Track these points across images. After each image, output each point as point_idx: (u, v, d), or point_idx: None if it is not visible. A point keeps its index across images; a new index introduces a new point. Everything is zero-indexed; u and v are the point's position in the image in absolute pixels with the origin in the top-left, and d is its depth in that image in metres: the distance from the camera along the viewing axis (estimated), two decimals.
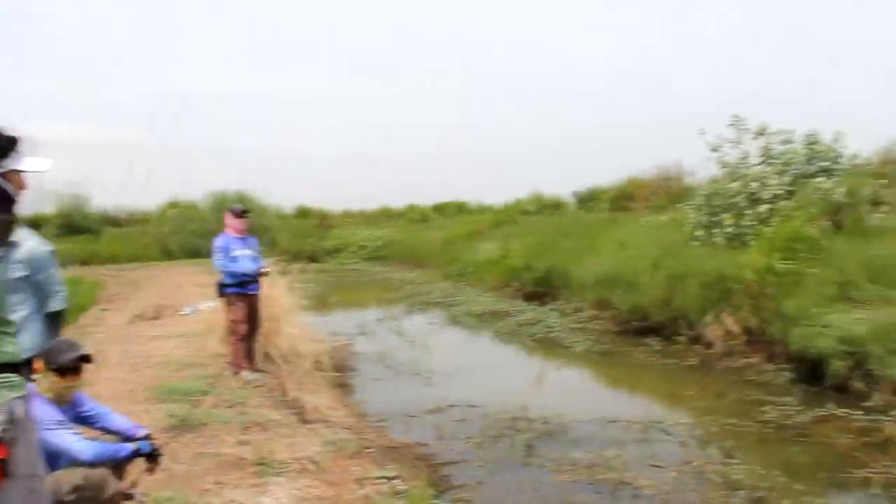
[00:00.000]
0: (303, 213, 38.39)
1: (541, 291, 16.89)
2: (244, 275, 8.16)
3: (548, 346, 12.31)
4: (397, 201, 41.15)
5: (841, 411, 7.70)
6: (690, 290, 11.58)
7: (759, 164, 13.82)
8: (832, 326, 8.75)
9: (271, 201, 33.87)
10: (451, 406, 8.42)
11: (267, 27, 70.39)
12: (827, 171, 13.13)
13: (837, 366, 8.44)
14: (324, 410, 7.44)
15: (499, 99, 60.39)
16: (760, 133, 13.96)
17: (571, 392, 9.59)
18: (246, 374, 8.16)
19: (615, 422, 7.71)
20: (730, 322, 10.79)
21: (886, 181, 13.16)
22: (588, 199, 28.71)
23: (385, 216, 39.94)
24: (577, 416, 7.80)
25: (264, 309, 8.69)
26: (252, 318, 8.38)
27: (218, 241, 8.29)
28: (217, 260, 8.19)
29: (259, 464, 5.48)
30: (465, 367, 10.80)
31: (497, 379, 10.29)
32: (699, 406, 8.43)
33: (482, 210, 34.87)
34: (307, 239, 33.20)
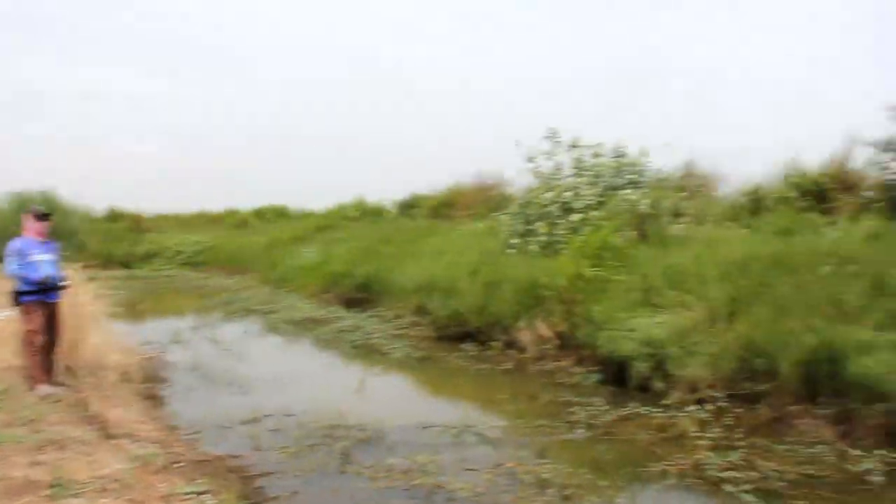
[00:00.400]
0: (114, 216, 36.12)
1: (361, 298, 16.87)
2: (44, 282, 7.61)
3: (366, 352, 12.30)
4: (216, 205, 39.81)
5: (643, 409, 8.21)
6: (505, 296, 11.95)
7: (572, 175, 14.52)
8: (635, 330, 9.28)
9: (79, 202, 31.66)
10: (267, 416, 8.21)
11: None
12: (633, 184, 13.96)
13: (640, 367, 8.97)
14: (130, 425, 7.05)
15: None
16: (574, 146, 14.69)
17: (388, 398, 9.62)
18: (44, 389, 7.60)
19: (431, 427, 7.79)
20: (542, 327, 11.21)
21: (687, 194, 14.16)
22: (409, 207, 28.89)
23: (202, 220, 38.44)
24: (393, 423, 7.84)
25: (66, 318, 8.15)
26: (53, 329, 7.83)
27: (14, 245, 7.68)
28: (11, 265, 7.59)
29: (54, 485, 5.09)
30: (282, 376, 10.58)
31: (315, 387, 10.15)
32: (512, 409, 8.71)
33: (305, 215, 34.25)
34: (118, 243, 31.45)
